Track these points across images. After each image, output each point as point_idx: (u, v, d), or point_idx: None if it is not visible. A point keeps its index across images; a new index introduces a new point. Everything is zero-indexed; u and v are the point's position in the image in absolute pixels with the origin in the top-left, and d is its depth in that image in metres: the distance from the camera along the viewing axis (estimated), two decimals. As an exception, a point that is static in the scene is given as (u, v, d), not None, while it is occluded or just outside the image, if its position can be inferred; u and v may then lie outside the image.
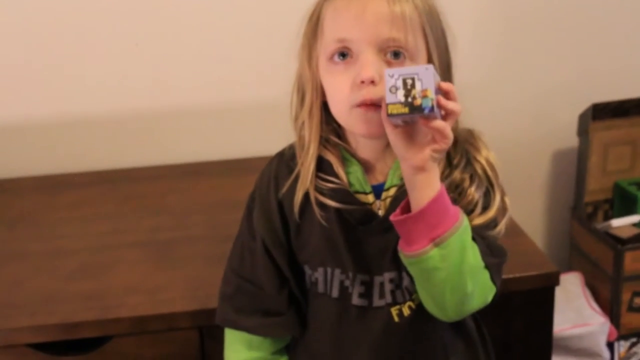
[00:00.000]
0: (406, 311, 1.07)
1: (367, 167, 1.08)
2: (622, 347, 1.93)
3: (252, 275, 1.13)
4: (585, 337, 1.85)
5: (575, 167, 2.07)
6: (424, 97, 0.90)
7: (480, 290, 1.01)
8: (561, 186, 2.14)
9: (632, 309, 1.91)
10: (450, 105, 0.93)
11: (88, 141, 1.92)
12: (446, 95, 0.93)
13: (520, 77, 2.04)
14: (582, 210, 2.03)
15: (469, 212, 1.03)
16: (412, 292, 1.06)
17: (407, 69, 0.91)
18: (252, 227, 1.14)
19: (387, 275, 1.07)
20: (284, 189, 1.10)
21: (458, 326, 1.11)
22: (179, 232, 1.57)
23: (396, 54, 0.99)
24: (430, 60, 1.02)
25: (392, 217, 0.97)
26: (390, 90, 0.91)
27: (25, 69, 1.86)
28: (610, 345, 1.91)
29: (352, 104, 1.00)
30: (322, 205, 1.06)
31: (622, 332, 1.92)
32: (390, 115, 0.92)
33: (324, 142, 1.08)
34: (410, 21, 0.99)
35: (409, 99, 0.90)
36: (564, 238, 2.15)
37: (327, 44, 1.02)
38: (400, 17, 0.98)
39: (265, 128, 1.85)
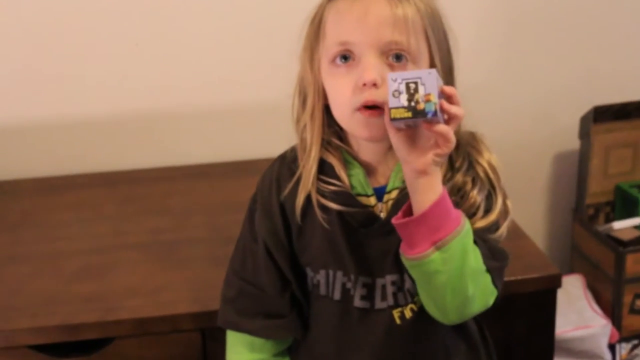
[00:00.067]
0: (408, 313, 1.07)
1: (368, 170, 1.08)
2: (623, 349, 1.93)
3: (254, 278, 1.13)
4: (586, 339, 1.85)
5: (576, 169, 2.07)
6: (427, 101, 0.90)
7: (481, 293, 1.01)
8: (562, 188, 2.14)
9: (633, 311, 1.91)
10: (453, 109, 0.93)
11: (89, 142, 1.92)
12: (449, 99, 0.93)
13: (522, 79, 2.04)
14: (584, 213, 2.03)
15: (471, 216, 1.03)
16: (414, 295, 1.06)
17: (410, 73, 0.91)
18: (253, 229, 1.14)
19: (389, 278, 1.07)
20: (286, 192, 1.10)
21: (460, 328, 1.11)
22: (181, 234, 1.57)
23: (398, 57, 0.99)
24: (432, 63, 1.02)
25: (394, 220, 0.97)
26: (393, 95, 0.91)
27: (25, 69, 1.86)
28: (611, 348, 1.91)
29: (354, 106, 1.00)
30: (324, 208, 1.06)
31: (623, 334, 1.92)
32: (393, 120, 0.92)
33: (325, 144, 1.08)
34: (412, 24, 0.99)
35: (412, 103, 0.90)
36: (565, 240, 2.15)
37: (329, 46, 1.02)
38: (402, 20, 0.98)
39: (267, 130, 1.85)
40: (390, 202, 1.06)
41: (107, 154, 1.93)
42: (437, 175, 0.96)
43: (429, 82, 0.90)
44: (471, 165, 1.06)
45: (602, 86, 2.05)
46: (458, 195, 1.04)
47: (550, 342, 1.43)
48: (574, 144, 2.06)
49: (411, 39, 0.99)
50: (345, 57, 1.01)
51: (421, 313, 1.05)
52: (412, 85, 0.90)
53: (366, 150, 1.08)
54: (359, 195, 1.07)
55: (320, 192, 1.07)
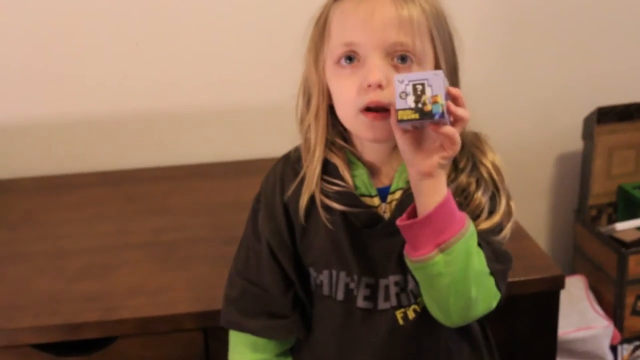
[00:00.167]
0: (411, 314, 1.07)
1: (372, 170, 1.08)
2: (625, 350, 1.93)
3: (258, 278, 1.13)
4: (588, 340, 1.84)
5: (579, 170, 2.07)
6: (434, 103, 0.90)
7: (484, 296, 1.00)
8: (565, 189, 2.14)
9: (635, 312, 1.90)
10: (459, 111, 0.93)
11: (90, 142, 1.92)
12: (455, 101, 0.93)
13: (525, 79, 2.04)
14: (586, 214, 2.03)
15: (475, 217, 1.02)
16: (417, 296, 1.06)
17: (417, 75, 0.91)
18: (257, 229, 1.14)
19: (392, 278, 1.07)
20: (290, 192, 1.10)
21: (463, 330, 1.10)
22: (183, 233, 1.57)
23: (403, 58, 0.99)
24: (437, 64, 1.02)
25: (398, 222, 0.97)
26: (400, 96, 0.91)
27: (26, 69, 1.85)
28: (613, 349, 1.91)
29: (358, 107, 1.00)
30: (327, 208, 1.06)
31: (625, 335, 1.92)
32: (400, 121, 0.92)
33: (329, 145, 1.08)
34: (417, 25, 0.99)
35: (419, 105, 0.90)
36: (567, 241, 2.15)
37: (334, 47, 1.02)
38: (407, 21, 0.98)
39: (268, 129, 1.85)
40: (394, 203, 1.06)
41: (108, 153, 1.93)
42: (442, 178, 0.96)
43: (436, 83, 0.90)
44: (475, 166, 1.06)
45: (605, 87, 2.05)
46: (462, 196, 1.04)
47: (553, 343, 1.43)
48: (577, 144, 2.06)
49: (416, 41, 0.99)
50: (350, 58, 1.00)
51: (424, 314, 1.05)
52: (419, 87, 0.90)
53: (370, 151, 1.08)
54: (363, 195, 1.07)
55: (324, 193, 1.07)
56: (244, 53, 1.90)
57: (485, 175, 1.06)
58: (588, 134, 1.98)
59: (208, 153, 1.95)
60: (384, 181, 1.08)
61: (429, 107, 0.90)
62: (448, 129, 0.92)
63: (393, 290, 1.07)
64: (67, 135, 1.90)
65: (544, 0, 1.99)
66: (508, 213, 1.06)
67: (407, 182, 1.04)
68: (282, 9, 1.86)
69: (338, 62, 1.02)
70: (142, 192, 1.78)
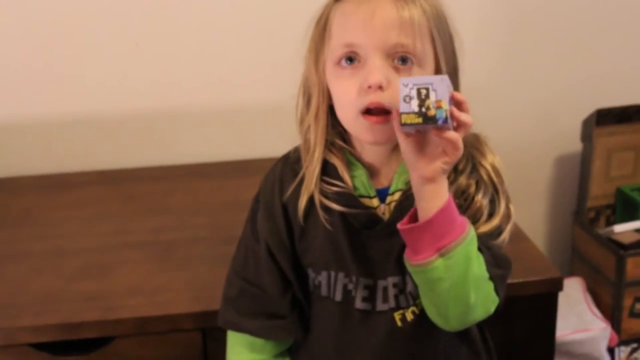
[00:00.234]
0: (409, 316, 1.07)
1: (372, 171, 1.08)
2: (622, 352, 1.93)
3: (256, 278, 1.13)
4: (586, 342, 1.84)
5: (578, 172, 2.07)
6: (438, 107, 0.90)
7: (483, 301, 1.01)
8: (564, 191, 2.14)
9: (633, 314, 1.91)
10: (462, 117, 0.93)
11: (89, 141, 1.92)
12: (459, 106, 0.93)
13: (524, 81, 2.04)
14: (585, 216, 2.03)
15: (475, 220, 1.03)
16: (415, 298, 1.06)
17: (422, 79, 0.91)
18: (256, 229, 1.14)
19: (391, 280, 1.07)
20: (289, 192, 1.10)
21: (462, 333, 1.10)
22: (182, 233, 1.57)
23: (404, 60, 0.99)
24: (437, 65, 1.02)
25: (399, 226, 0.97)
26: (404, 100, 0.91)
27: (26, 68, 1.86)
28: (611, 351, 1.91)
29: (358, 108, 1.00)
30: (326, 209, 1.06)
31: (623, 338, 1.92)
32: (403, 125, 0.91)
33: (329, 145, 1.08)
34: (418, 26, 0.99)
35: (423, 109, 0.90)
36: (565, 243, 2.15)
37: (335, 48, 1.02)
38: (408, 22, 0.98)
39: (268, 129, 1.85)
40: (393, 204, 1.06)
41: (108, 152, 1.93)
42: (444, 183, 0.96)
43: (441, 88, 0.90)
44: (475, 168, 1.06)
45: (604, 89, 2.05)
46: (462, 198, 1.04)
47: (551, 345, 1.43)
48: (576, 146, 2.06)
49: (417, 42, 0.99)
50: (351, 59, 1.01)
51: (423, 316, 1.05)
52: (424, 91, 0.90)
53: (369, 152, 1.08)
54: (362, 196, 1.07)
55: (323, 193, 1.07)
56: (244, 53, 1.90)
57: (485, 177, 1.06)
58: (587, 136, 1.99)
59: (208, 152, 1.95)
60: (383, 182, 1.08)
61: (432, 112, 0.90)
62: (451, 134, 0.92)
63: (391, 291, 1.07)
64: (67, 134, 1.90)
65: (543, 2, 1.99)
66: (507, 216, 1.06)
67: (407, 184, 1.05)
68: (282, 9, 1.86)
69: (338, 63, 1.02)
70: (141, 191, 1.78)
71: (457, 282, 0.96)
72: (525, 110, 2.06)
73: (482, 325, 1.15)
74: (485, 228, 1.03)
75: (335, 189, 1.06)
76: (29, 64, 1.85)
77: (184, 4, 1.86)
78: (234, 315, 1.14)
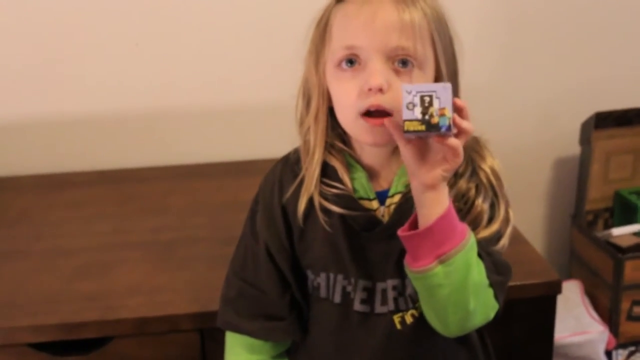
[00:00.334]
0: (409, 319, 1.07)
1: (371, 174, 1.08)
2: (620, 355, 1.93)
3: (255, 279, 1.13)
4: (584, 345, 1.85)
5: (576, 175, 2.07)
6: (442, 115, 0.90)
7: (482, 307, 1.01)
8: (562, 194, 2.14)
9: (631, 317, 1.91)
10: (464, 124, 0.93)
11: (89, 141, 1.92)
12: (459, 112, 0.93)
13: (523, 83, 2.04)
14: (583, 219, 2.03)
15: (476, 226, 1.03)
16: (415, 301, 1.06)
17: (425, 86, 0.91)
18: (255, 230, 1.14)
19: (390, 282, 1.07)
20: (288, 194, 1.10)
21: (461, 337, 1.09)
22: (181, 233, 1.57)
23: (404, 62, 0.99)
24: (438, 68, 1.02)
25: (399, 232, 0.97)
26: (407, 107, 0.91)
27: (27, 68, 1.86)
28: (608, 354, 1.91)
29: (358, 110, 1.00)
30: (326, 211, 1.06)
31: (620, 341, 1.92)
32: (406, 132, 0.91)
33: (329, 147, 1.08)
34: (419, 29, 0.99)
35: (426, 117, 0.90)
36: (563, 246, 2.15)
37: (335, 50, 1.02)
38: (409, 25, 0.98)
39: (267, 130, 1.85)
40: (392, 207, 1.06)
41: (107, 152, 1.93)
42: (444, 190, 0.96)
43: (444, 96, 0.90)
44: (474, 171, 1.06)
45: (603, 92, 2.05)
46: (462, 202, 1.04)
47: (549, 348, 1.43)
48: (575, 149, 2.06)
49: (417, 45, 0.99)
50: (351, 61, 1.00)
51: (422, 319, 1.05)
52: (427, 99, 0.90)
53: (369, 154, 1.08)
54: (362, 198, 1.07)
55: (323, 195, 1.07)
56: (244, 53, 1.90)
57: (484, 180, 1.06)
58: (586, 139, 1.99)
59: (207, 153, 1.95)
60: (382, 185, 1.08)
61: (436, 120, 0.90)
62: (452, 141, 0.92)
63: (391, 294, 1.07)
64: (67, 133, 1.90)
65: (543, 4, 2.00)
66: (506, 220, 1.06)
67: (406, 186, 1.05)
68: (282, 9, 1.86)
69: (339, 65, 1.02)
70: (141, 191, 1.78)
71: (457, 289, 0.96)
72: (524, 112, 2.06)
73: (481, 328, 1.15)
74: (485, 233, 1.03)
75: (334, 191, 1.06)
76: (29, 64, 1.85)
77: (184, 4, 1.86)
78: (232, 316, 1.14)
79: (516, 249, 1.41)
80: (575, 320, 1.88)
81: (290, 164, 1.12)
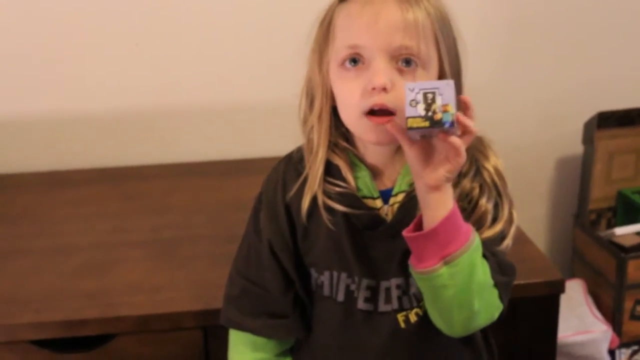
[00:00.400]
0: (413, 318, 1.07)
1: (375, 172, 1.08)
2: (623, 354, 1.93)
3: (258, 277, 1.13)
4: (587, 344, 1.85)
5: (579, 174, 2.07)
6: (445, 111, 0.90)
7: (487, 308, 1.00)
8: (565, 193, 2.14)
9: (634, 317, 1.91)
10: (468, 122, 0.92)
11: (90, 139, 1.92)
12: (465, 111, 0.93)
13: (526, 83, 2.04)
14: (586, 218, 2.03)
15: (480, 226, 1.02)
16: (419, 299, 1.06)
17: (428, 84, 0.91)
18: (258, 229, 1.14)
19: (394, 281, 1.06)
20: (292, 192, 1.10)
21: (465, 336, 1.09)
22: (183, 231, 1.57)
23: (408, 62, 0.99)
24: (441, 68, 1.02)
25: (404, 233, 0.97)
26: (410, 104, 0.91)
27: (28, 67, 1.86)
28: (611, 353, 1.91)
29: (362, 110, 0.99)
30: (329, 209, 1.06)
31: (623, 340, 1.92)
32: (409, 129, 0.91)
33: (332, 146, 1.08)
34: (422, 29, 0.99)
35: (430, 113, 0.90)
36: (566, 245, 2.15)
37: (339, 49, 1.02)
38: (413, 24, 0.98)
39: (269, 128, 1.85)
40: (396, 205, 1.06)
41: (108, 150, 1.93)
42: (449, 192, 0.96)
43: (447, 92, 0.90)
44: (478, 171, 1.06)
45: (606, 92, 2.05)
46: (466, 201, 1.03)
47: (553, 347, 1.43)
48: (577, 148, 2.06)
49: (421, 44, 0.99)
50: (355, 60, 1.00)
51: (426, 318, 1.05)
52: (430, 96, 0.90)
53: (373, 153, 1.07)
54: (365, 197, 1.07)
55: (326, 194, 1.06)
56: (245, 52, 1.90)
57: (488, 179, 1.06)
58: (588, 139, 1.99)
59: (208, 151, 1.95)
60: (386, 183, 1.08)
61: (439, 116, 0.90)
62: (455, 139, 0.92)
63: (395, 293, 1.07)
64: (69, 132, 1.90)
65: (544, 4, 1.99)
66: (510, 220, 1.06)
67: (410, 185, 1.04)
68: (282, 9, 1.86)
69: (342, 64, 1.01)
70: (142, 189, 1.78)
71: (461, 289, 0.96)
72: (526, 112, 2.06)
73: (485, 328, 1.15)
74: (489, 233, 1.03)
75: (338, 189, 1.06)
76: (30, 63, 1.85)
77: (184, 4, 1.86)
78: (236, 314, 1.14)
79: (519, 248, 1.41)
80: (579, 319, 1.88)
81: (294, 163, 1.12)
